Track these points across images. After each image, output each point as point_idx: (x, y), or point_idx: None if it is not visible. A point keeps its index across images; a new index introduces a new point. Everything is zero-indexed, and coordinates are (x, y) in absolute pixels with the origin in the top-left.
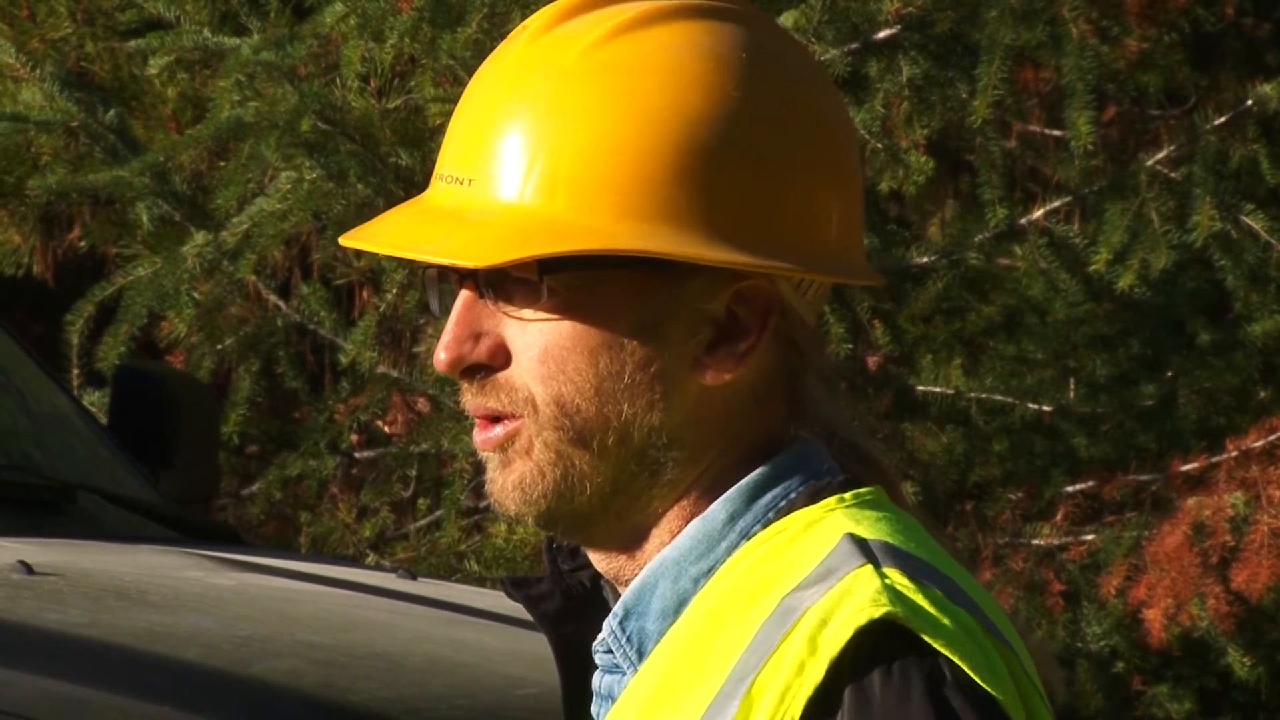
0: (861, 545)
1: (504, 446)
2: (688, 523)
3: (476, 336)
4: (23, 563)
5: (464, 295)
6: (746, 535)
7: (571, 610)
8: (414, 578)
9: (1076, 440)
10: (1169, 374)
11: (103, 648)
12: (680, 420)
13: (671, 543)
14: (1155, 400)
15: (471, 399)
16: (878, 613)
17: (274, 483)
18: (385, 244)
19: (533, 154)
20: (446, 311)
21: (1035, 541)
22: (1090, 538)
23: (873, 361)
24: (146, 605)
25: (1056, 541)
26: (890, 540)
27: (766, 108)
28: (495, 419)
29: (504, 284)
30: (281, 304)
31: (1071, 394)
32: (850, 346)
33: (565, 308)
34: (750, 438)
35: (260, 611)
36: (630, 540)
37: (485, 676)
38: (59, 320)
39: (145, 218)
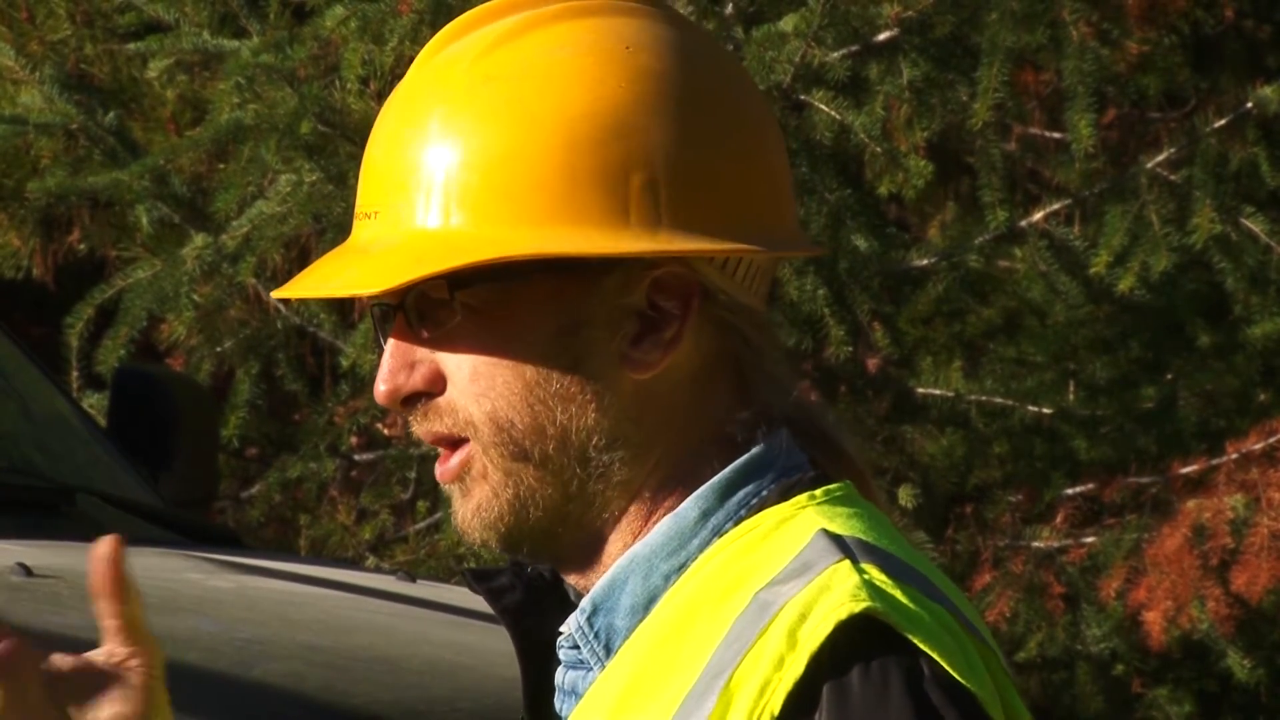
0: (838, 541)
1: (461, 476)
2: (647, 521)
3: (411, 366)
4: (22, 565)
5: (396, 327)
6: (719, 532)
7: (533, 603)
8: (413, 580)
9: (1076, 443)
10: (1169, 376)
11: None
12: (618, 419)
13: (642, 539)
14: (1155, 403)
15: (417, 426)
16: (858, 607)
17: (274, 485)
18: (299, 289)
19: (428, 177)
20: None
21: (1035, 544)
22: (1090, 540)
23: (873, 364)
24: (146, 607)
25: (1056, 544)
26: (864, 537)
27: (656, 95)
28: (450, 446)
29: (429, 310)
30: (281, 307)
31: (1071, 396)
32: (850, 349)
33: (486, 323)
34: (698, 430)
35: (260, 614)
36: (595, 549)
37: (485, 679)
38: (58, 323)
39: (145, 220)
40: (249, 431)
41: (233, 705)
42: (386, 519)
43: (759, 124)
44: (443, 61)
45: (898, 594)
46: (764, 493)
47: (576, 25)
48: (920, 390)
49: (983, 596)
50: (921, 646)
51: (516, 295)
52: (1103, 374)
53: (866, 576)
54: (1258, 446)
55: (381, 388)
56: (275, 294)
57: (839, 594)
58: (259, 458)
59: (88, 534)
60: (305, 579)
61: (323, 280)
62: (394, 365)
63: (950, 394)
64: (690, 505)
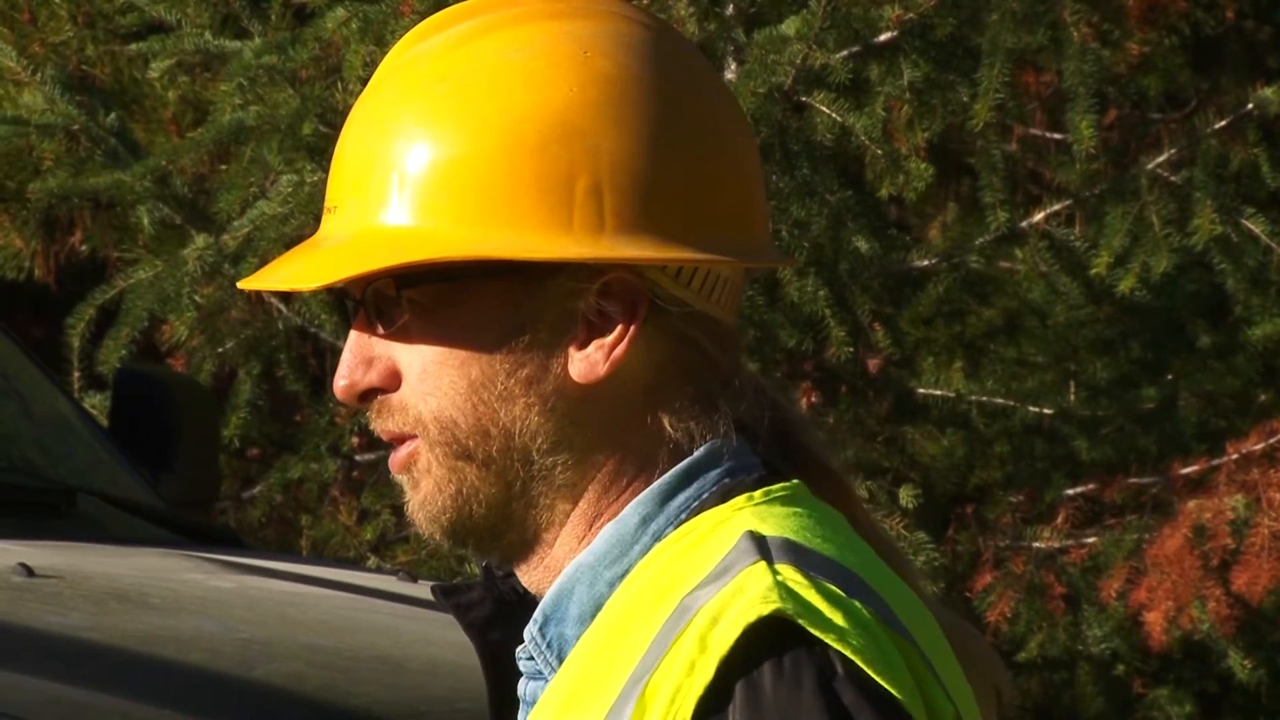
0: (759, 542)
1: (408, 468)
2: (591, 525)
3: (369, 362)
4: (23, 565)
5: (356, 323)
6: (659, 537)
7: (501, 617)
8: (415, 580)
9: (1077, 443)
10: (1169, 377)
11: (103, 650)
12: (562, 423)
13: (586, 548)
14: (1156, 403)
15: (373, 423)
16: (767, 610)
17: (275, 486)
18: (259, 280)
19: (380, 174)
20: None
21: (1036, 544)
22: (1091, 540)
23: (874, 364)
24: (147, 608)
25: (1057, 544)
26: (793, 536)
27: (608, 100)
28: (399, 440)
29: (385, 307)
30: (283, 307)
31: (1072, 397)
32: (851, 349)
33: (434, 322)
34: (647, 436)
35: (261, 614)
36: (539, 549)
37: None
38: (60, 323)
39: (146, 221)
40: (250, 432)
41: (234, 705)
42: (388, 519)
43: (726, 133)
44: (407, 61)
45: (810, 594)
46: (704, 495)
47: (537, 28)
48: (921, 391)
49: (984, 597)
50: (833, 645)
51: (464, 295)
52: (1103, 374)
53: (780, 578)
54: (1258, 447)
55: (340, 383)
56: (240, 284)
57: (750, 597)
58: (260, 458)
59: (89, 535)
60: (307, 579)
61: (274, 272)
62: (352, 361)
63: (951, 394)
64: (631, 511)
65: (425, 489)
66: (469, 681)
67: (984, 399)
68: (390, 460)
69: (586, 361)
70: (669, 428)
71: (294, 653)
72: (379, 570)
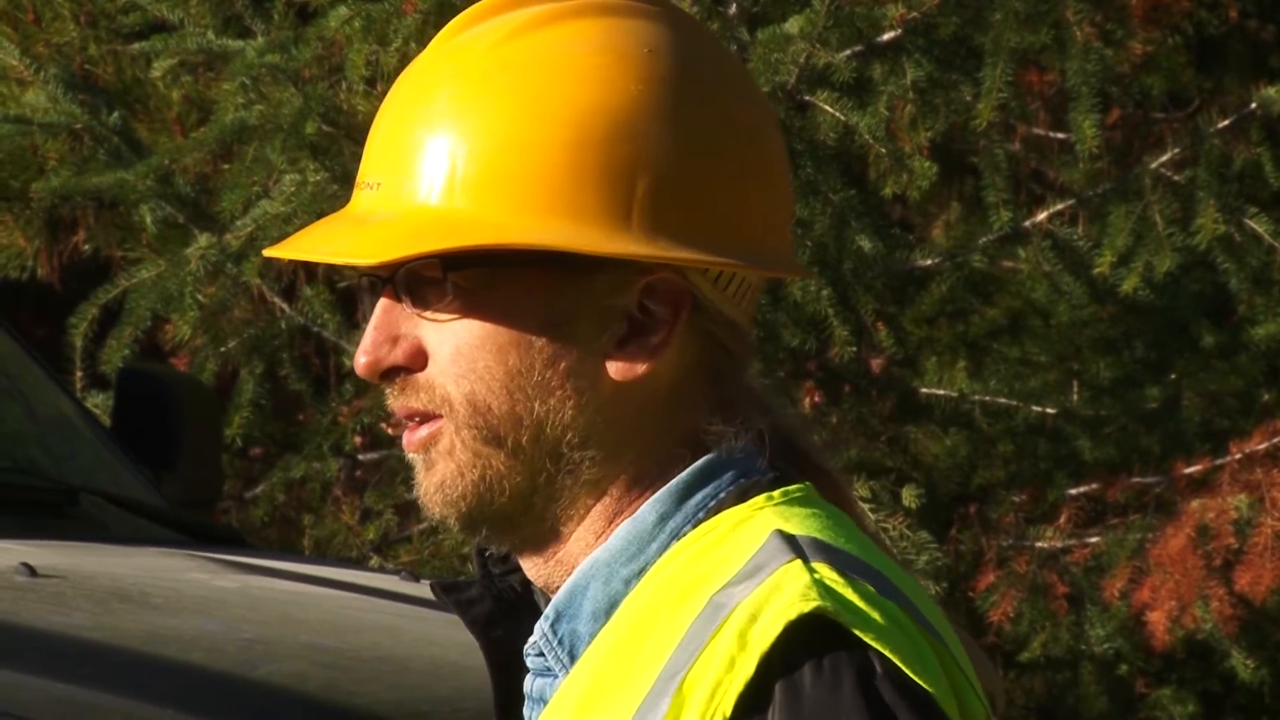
0: (790, 541)
1: (427, 447)
2: (611, 523)
3: (394, 340)
4: (26, 565)
5: (383, 300)
6: (676, 535)
7: (502, 614)
8: (417, 580)
9: (1080, 443)
10: (1173, 377)
11: (106, 650)
12: (594, 418)
13: (602, 544)
14: (1159, 403)
15: (393, 400)
16: (807, 607)
17: (277, 485)
18: (291, 250)
19: (434, 155)
20: None
21: (1039, 544)
22: (1094, 540)
23: (877, 364)
24: (150, 607)
25: (1060, 544)
26: (819, 536)
27: (669, 101)
28: (420, 420)
29: (418, 287)
30: (285, 306)
31: (1075, 397)
32: (854, 349)
33: (475, 306)
34: (671, 437)
35: (264, 614)
36: (555, 543)
37: (489, 680)
38: (63, 323)
39: (149, 220)
40: (253, 431)
41: (236, 705)
42: (390, 519)
43: (767, 142)
44: (459, 45)
45: (849, 592)
46: (721, 495)
47: (597, 23)
48: (924, 390)
49: (986, 597)
50: (873, 644)
51: (508, 282)
52: (1106, 374)
53: (817, 576)
54: (1261, 447)
55: (362, 359)
56: (267, 252)
57: (789, 594)
58: (263, 458)
59: (92, 534)
60: (309, 579)
61: (318, 245)
62: (377, 338)
63: (954, 394)
64: (648, 509)
65: (443, 471)
66: (472, 681)
67: (987, 399)
68: (406, 439)
69: (626, 359)
70: (695, 428)
71: (296, 652)
72: (382, 570)
